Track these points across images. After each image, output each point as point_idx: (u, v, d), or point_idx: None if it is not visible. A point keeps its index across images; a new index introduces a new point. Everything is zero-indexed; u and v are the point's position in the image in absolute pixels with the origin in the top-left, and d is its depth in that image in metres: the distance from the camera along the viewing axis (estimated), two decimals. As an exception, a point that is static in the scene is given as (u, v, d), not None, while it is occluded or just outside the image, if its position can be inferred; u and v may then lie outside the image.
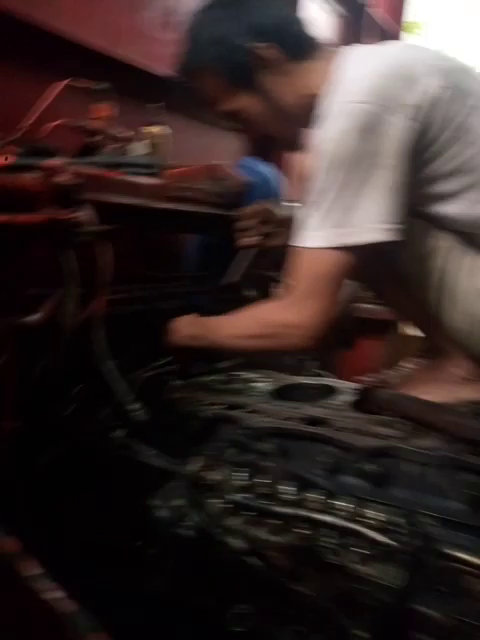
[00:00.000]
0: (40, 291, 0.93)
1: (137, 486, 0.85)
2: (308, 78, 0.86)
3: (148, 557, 0.79)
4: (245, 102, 0.89)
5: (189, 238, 1.37)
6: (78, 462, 0.90)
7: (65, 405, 0.93)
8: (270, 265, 1.35)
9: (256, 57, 0.85)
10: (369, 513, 0.63)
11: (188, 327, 0.98)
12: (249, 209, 1.11)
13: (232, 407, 0.88)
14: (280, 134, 0.94)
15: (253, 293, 1.26)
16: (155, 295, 1.12)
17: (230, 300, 1.21)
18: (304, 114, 0.85)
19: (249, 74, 0.86)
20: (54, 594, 0.38)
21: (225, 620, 0.68)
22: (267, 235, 1.11)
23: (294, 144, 0.93)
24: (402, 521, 0.61)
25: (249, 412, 0.85)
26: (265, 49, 0.84)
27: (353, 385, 0.95)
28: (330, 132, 0.75)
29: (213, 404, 0.90)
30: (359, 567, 0.60)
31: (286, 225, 1.04)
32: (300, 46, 0.87)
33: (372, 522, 0.62)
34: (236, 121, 0.93)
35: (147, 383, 0.99)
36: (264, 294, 1.30)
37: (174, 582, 0.74)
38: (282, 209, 1.07)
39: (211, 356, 1.08)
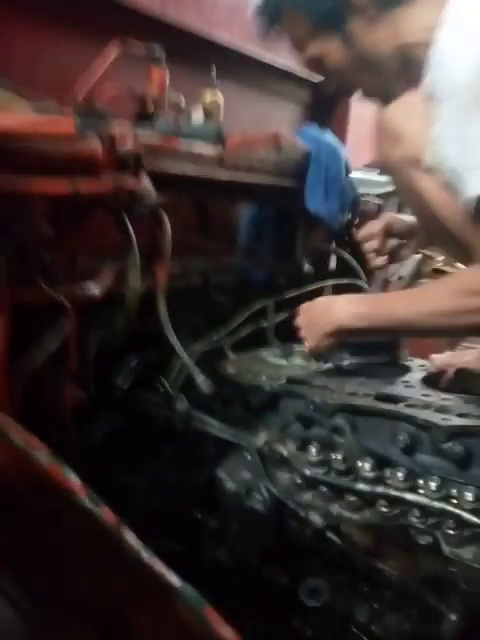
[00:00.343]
0: (96, 262, 0.92)
1: (199, 458, 0.85)
2: (405, 26, 0.79)
3: (211, 529, 0.79)
4: (331, 49, 0.83)
5: (244, 210, 1.33)
6: (139, 433, 0.90)
7: (126, 376, 0.92)
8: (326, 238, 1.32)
9: (346, 0, 0.78)
10: (457, 493, 0.61)
11: (351, 305, 0.84)
12: (370, 229, 1.00)
13: (293, 381, 0.86)
14: (365, 86, 0.88)
15: (311, 268, 1.22)
16: (211, 268, 1.10)
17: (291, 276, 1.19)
18: (397, 65, 0.79)
19: (338, 19, 0.80)
20: (160, 567, 0.37)
21: (296, 594, 0.68)
22: (395, 249, 1.01)
23: (380, 97, 0.86)
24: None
25: (313, 387, 0.83)
26: None
27: (421, 362, 0.92)
28: (457, 72, 0.68)
29: (273, 378, 0.88)
30: (449, 548, 0.57)
31: (413, 232, 0.97)
32: None
33: (462, 503, 0.59)
34: (320, 69, 0.87)
35: (203, 356, 0.97)
36: (321, 269, 1.26)
37: (241, 555, 0.74)
38: (405, 217, 0.98)
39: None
